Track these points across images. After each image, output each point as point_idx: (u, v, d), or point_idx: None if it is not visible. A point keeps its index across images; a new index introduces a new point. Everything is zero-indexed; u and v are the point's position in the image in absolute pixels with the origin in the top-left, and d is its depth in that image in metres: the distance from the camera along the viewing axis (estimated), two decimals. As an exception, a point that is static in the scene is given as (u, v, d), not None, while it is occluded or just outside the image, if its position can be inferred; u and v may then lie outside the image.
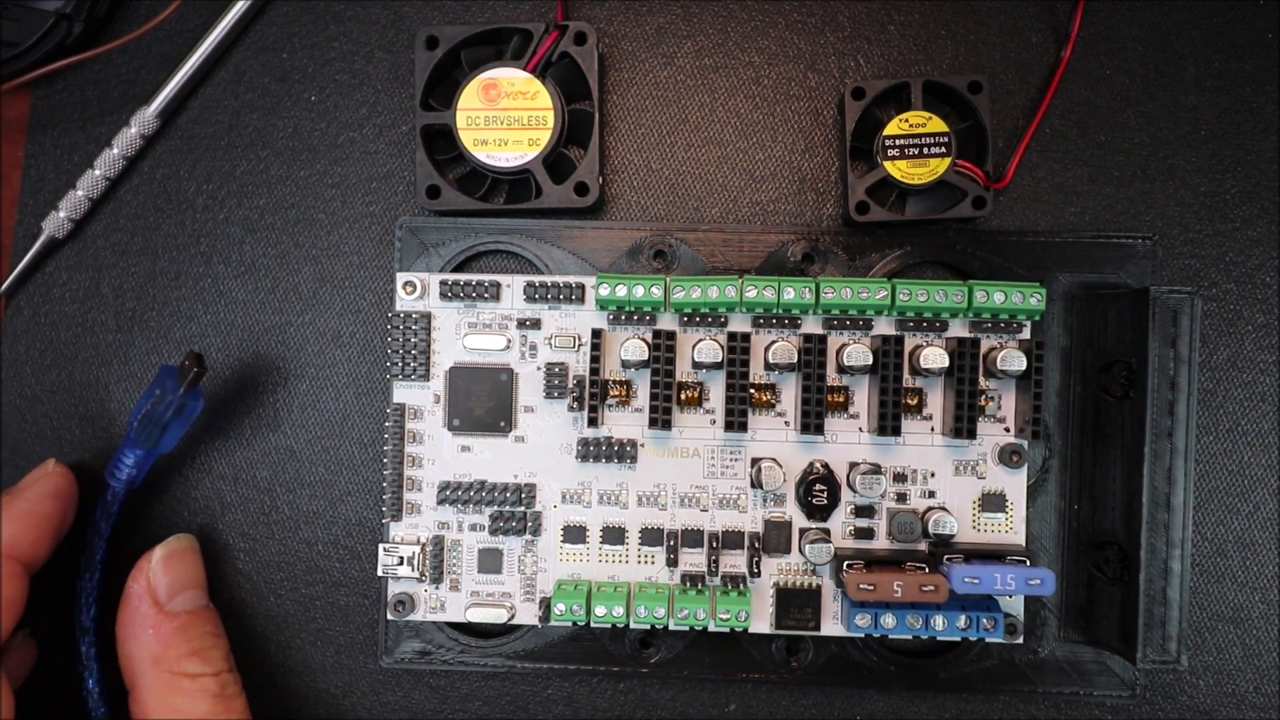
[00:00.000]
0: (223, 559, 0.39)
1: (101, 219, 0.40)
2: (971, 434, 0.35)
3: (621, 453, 0.36)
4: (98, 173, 0.39)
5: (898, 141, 0.36)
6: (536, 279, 0.37)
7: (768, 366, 0.36)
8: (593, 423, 0.36)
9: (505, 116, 0.37)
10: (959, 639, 0.36)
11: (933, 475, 0.36)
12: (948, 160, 0.36)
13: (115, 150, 0.39)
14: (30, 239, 0.40)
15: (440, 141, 0.38)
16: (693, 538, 0.36)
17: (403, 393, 0.37)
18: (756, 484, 0.36)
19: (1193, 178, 0.38)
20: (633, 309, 0.36)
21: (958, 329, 0.36)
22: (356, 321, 0.39)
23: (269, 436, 0.39)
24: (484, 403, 0.37)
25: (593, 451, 0.36)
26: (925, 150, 0.36)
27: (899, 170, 0.36)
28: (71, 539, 0.40)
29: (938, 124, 0.36)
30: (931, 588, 0.33)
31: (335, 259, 0.40)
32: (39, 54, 0.39)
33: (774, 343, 0.35)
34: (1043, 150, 0.38)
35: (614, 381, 0.36)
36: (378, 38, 0.40)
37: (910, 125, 0.36)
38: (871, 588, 0.33)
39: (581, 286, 0.36)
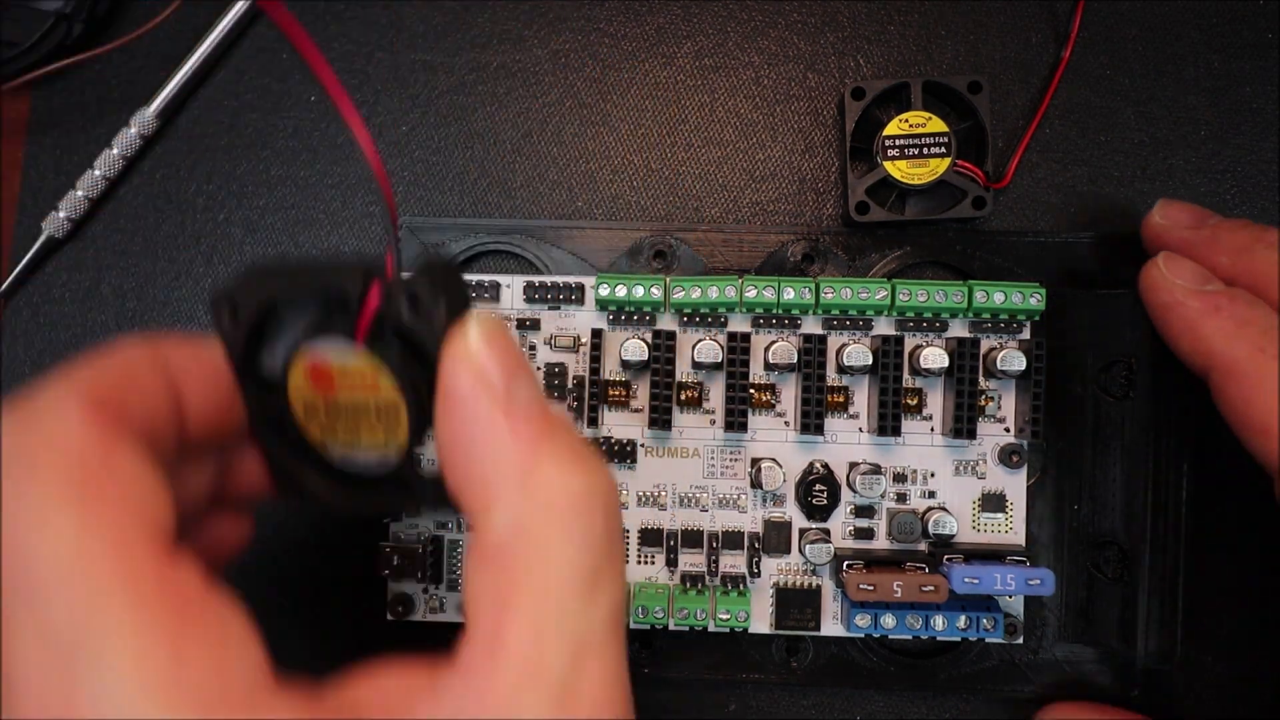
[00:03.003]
0: (223, 559, 0.39)
1: (101, 219, 0.40)
2: (971, 434, 0.35)
3: (621, 453, 0.36)
4: (97, 173, 0.39)
5: (897, 141, 0.36)
6: (536, 279, 0.37)
7: (768, 367, 0.36)
8: (592, 423, 0.36)
9: (347, 408, 0.24)
10: (959, 639, 0.36)
11: (932, 475, 0.36)
12: (947, 160, 0.36)
13: (115, 150, 0.39)
14: (30, 239, 0.40)
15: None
16: (692, 538, 0.36)
17: None
18: (756, 484, 0.36)
19: (1193, 178, 0.38)
20: (632, 309, 0.36)
21: (958, 329, 0.36)
22: (356, 321, 0.39)
23: (269, 436, 0.39)
24: None
25: None
26: (925, 150, 0.36)
27: (899, 170, 0.36)
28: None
29: (937, 124, 0.36)
30: (931, 588, 0.33)
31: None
32: (39, 54, 0.39)
33: (774, 343, 0.35)
34: (1043, 150, 0.38)
35: (613, 382, 0.36)
36: (378, 38, 0.40)
37: (910, 125, 0.36)
38: (871, 588, 0.33)
39: (581, 287, 0.36)
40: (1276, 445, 0.28)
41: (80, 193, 0.39)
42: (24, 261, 0.39)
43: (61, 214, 0.39)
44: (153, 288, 0.40)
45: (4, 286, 0.40)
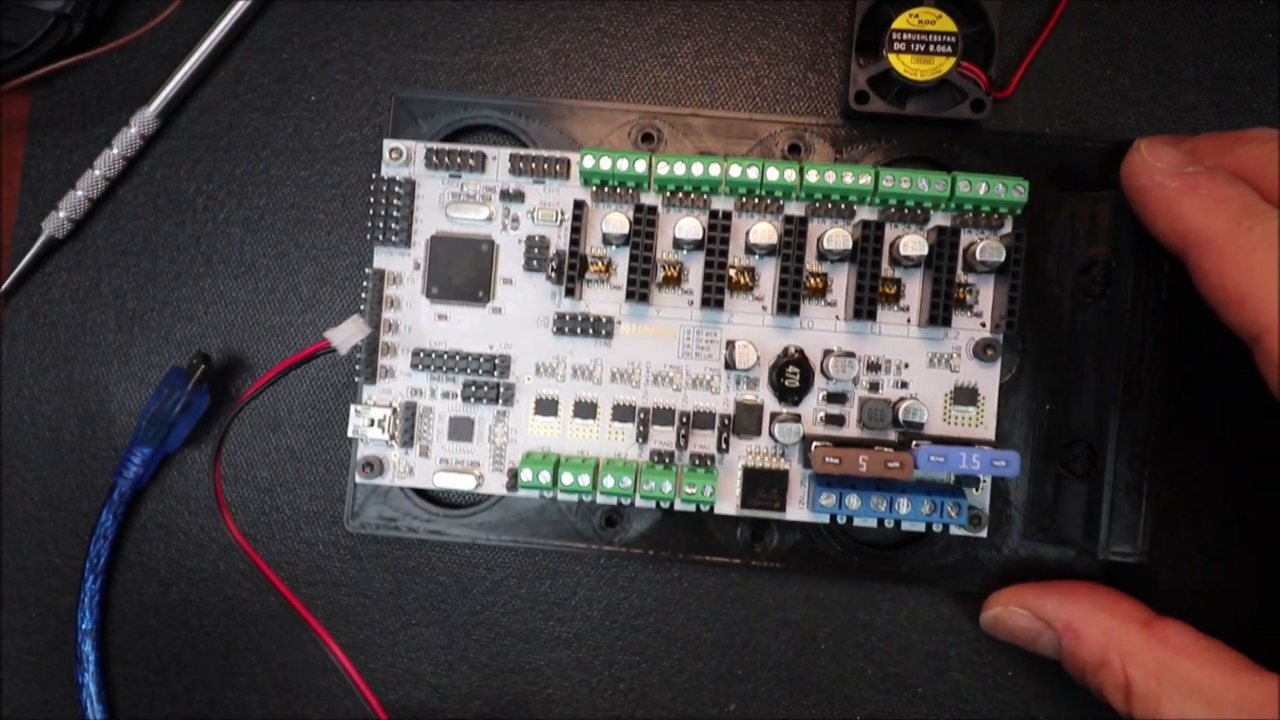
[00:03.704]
0: (223, 559, 0.39)
1: (101, 219, 0.40)
2: (947, 322, 0.35)
3: (598, 328, 0.36)
4: (97, 173, 0.39)
5: (905, 35, 0.36)
6: (522, 151, 0.36)
7: (748, 250, 0.36)
8: (570, 293, 0.36)
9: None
10: (923, 528, 0.35)
11: (906, 366, 0.36)
12: (952, 60, 0.36)
13: (115, 150, 0.39)
14: (30, 239, 0.40)
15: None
16: (664, 416, 0.36)
17: (383, 258, 0.37)
18: (730, 364, 0.36)
19: (1193, 177, 0.38)
20: (616, 183, 0.36)
21: (940, 221, 0.36)
22: (357, 321, 0.39)
23: (269, 436, 0.39)
24: (463, 272, 0.37)
25: (569, 325, 0.36)
26: (931, 48, 0.36)
27: (903, 64, 0.36)
28: (77, 538, 0.40)
29: (947, 23, 0.36)
30: (897, 464, 0.33)
31: (335, 259, 0.40)
32: (39, 54, 0.39)
33: (756, 224, 0.35)
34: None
35: (594, 257, 0.36)
36: (378, 38, 0.40)
37: (920, 21, 0.36)
38: (837, 461, 0.33)
39: (567, 161, 0.36)
40: (1251, 311, 0.28)
41: (80, 193, 0.39)
42: (24, 261, 0.39)
43: (61, 214, 0.39)
44: (153, 288, 0.40)
45: (4, 286, 0.40)
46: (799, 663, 0.38)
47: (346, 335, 0.35)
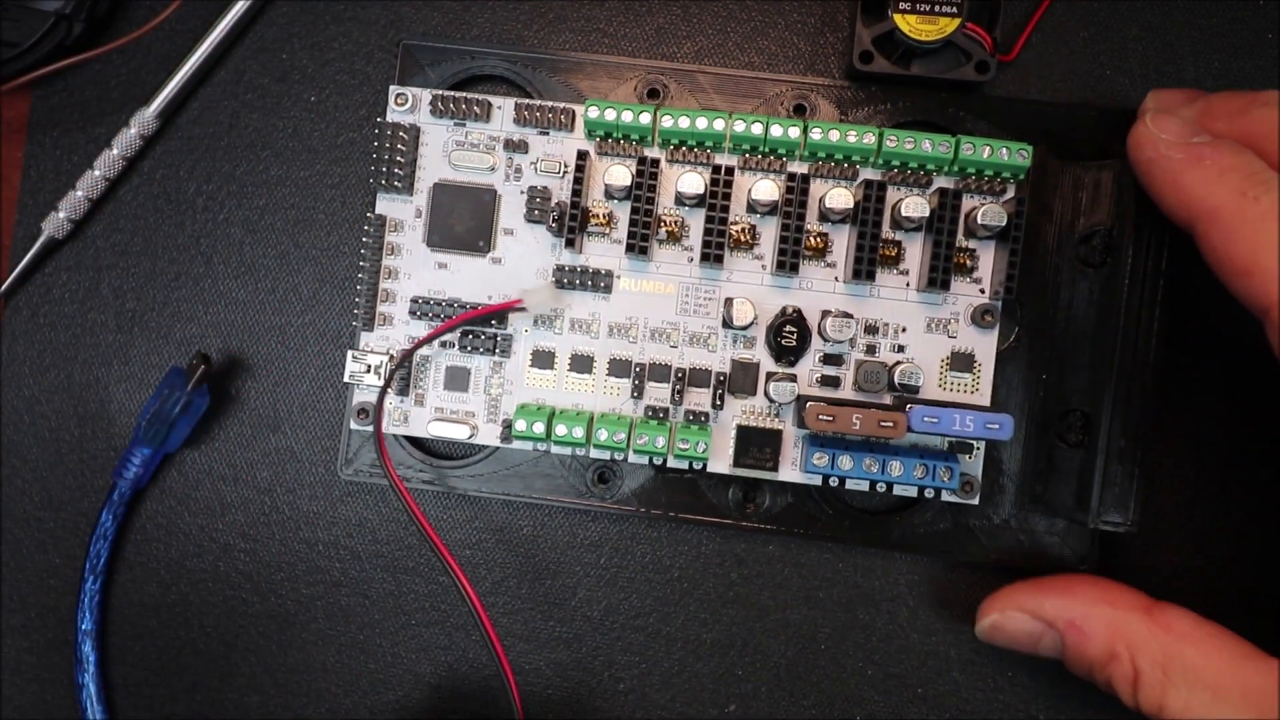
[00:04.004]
0: (223, 559, 0.39)
1: (101, 219, 0.40)
2: (946, 285, 0.35)
3: (597, 281, 0.36)
4: (97, 173, 0.39)
5: None
6: (527, 101, 0.37)
7: (750, 208, 0.36)
8: (570, 245, 0.36)
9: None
10: (915, 492, 0.35)
11: (904, 330, 0.36)
12: (957, 21, 0.35)
13: (115, 151, 0.39)
14: (30, 239, 0.40)
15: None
16: (660, 372, 0.36)
17: (385, 205, 0.37)
18: (727, 321, 0.36)
19: (1193, 177, 0.38)
20: (620, 135, 0.36)
21: (942, 184, 0.35)
22: (357, 321, 0.39)
23: (269, 436, 0.39)
24: (465, 221, 0.37)
25: (568, 278, 0.36)
26: (936, 8, 0.36)
27: (908, 24, 0.36)
28: (77, 538, 0.40)
29: None
30: (891, 423, 0.33)
31: (335, 259, 0.40)
32: (39, 54, 0.39)
33: (758, 182, 0.35)
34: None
35: (596, 213, 0.36)
36: (378, 38, 0.40)
37: None
38: (831, 419, 0.33)
39: (572, 112, 0.36)
40: (1261, 285, 0.27)
41: (80, 193, 0.39)
42: (24, 261, 0.39)
43: (61, 214, 0.39)
44: (153, 288, 0.40)
45: (4, 286, 0.40)
46: (799, 663, 0.38)
47: (539, 300, 0.35)
